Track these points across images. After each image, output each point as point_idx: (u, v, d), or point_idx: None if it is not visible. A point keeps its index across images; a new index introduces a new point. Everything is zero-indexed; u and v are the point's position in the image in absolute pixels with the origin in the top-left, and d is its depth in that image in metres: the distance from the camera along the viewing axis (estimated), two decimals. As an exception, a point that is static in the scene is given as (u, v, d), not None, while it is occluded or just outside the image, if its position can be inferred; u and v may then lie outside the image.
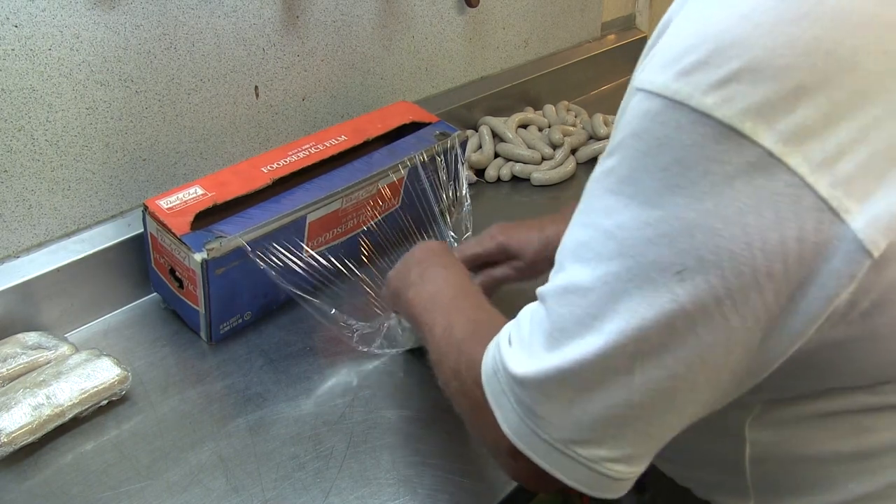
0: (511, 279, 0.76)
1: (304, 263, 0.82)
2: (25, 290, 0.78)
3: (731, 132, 0.31)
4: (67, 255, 0.81)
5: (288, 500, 0.64)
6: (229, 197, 0.79)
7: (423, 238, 0.94)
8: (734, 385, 0.38)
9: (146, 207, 0.78)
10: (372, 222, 0.91)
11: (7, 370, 0.72)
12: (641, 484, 0.64)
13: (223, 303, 0.79)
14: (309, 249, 0.83)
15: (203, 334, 0.81)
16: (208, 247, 0.73)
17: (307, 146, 0.88)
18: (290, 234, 0.80)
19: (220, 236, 0.75)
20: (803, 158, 0.30)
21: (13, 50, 0.72)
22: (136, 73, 0.82)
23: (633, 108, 0.34)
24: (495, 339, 0.43)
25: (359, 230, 0.90)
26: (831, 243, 0.31)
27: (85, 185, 0.83)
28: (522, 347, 0.40)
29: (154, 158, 0.88)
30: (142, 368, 0.78)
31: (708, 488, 0.55)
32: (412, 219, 0.96)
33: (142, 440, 0.70)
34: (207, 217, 0.77)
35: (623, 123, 0.35)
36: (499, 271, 0.76)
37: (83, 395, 0.70)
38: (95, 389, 0.70)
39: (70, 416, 0.69)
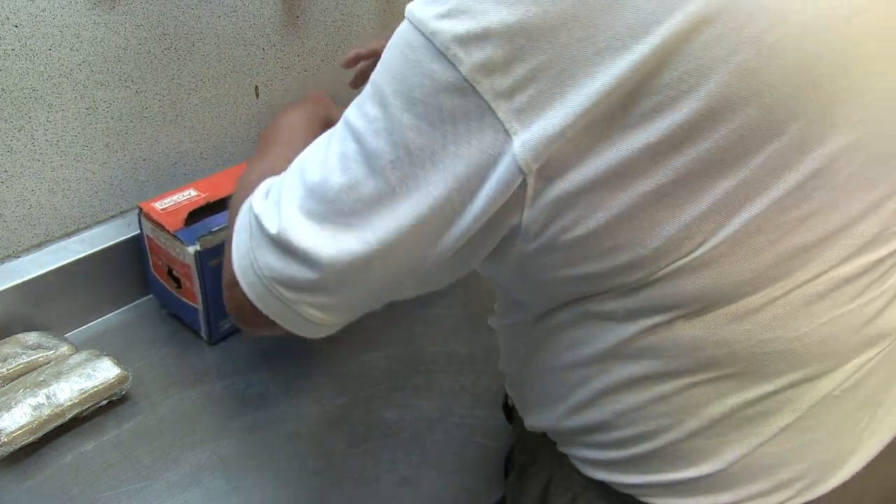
0: None
1: None
2: (25, 290, 0.78)
3: (441, 56, 0.38)
4: (67, 255, 0.81)
5: (287, 500, 0.64)
6: (222, 195, 0.80)
7: None
8: (418, 272, 0.44)
9: (141, 210, 0.79)
10: None
11: (7, 370, 0.72)
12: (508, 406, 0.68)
13: (221, 298, 0.79)
14: None
15: (203, 333, 0.81)
16: (201, 239, 0.75)
17: None
18: None
19: (215, 230, 0.75)
20: (490, 87, 0.37)
21: (13, 50, 0.72)
22: (136, 73, 0.82)
23: (397, 28, 0.42)
24: (265, 182, 0.49)
25: None
26: (500, 157, 0.39)
27: (85, 186, 0.83)
28: (274, 198, 0.46)
29: (154, 158, 0.88)
30: (142, 368, 0.78)
31: (515, 400, 0.61)
32: None
33: (142, 440, 0.70)
34: (202, 217, 0.78)
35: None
36: None
37: (83, 395, 0.70)
38: (95, 389, 0.70)
39: (70, 416, 0.69)
